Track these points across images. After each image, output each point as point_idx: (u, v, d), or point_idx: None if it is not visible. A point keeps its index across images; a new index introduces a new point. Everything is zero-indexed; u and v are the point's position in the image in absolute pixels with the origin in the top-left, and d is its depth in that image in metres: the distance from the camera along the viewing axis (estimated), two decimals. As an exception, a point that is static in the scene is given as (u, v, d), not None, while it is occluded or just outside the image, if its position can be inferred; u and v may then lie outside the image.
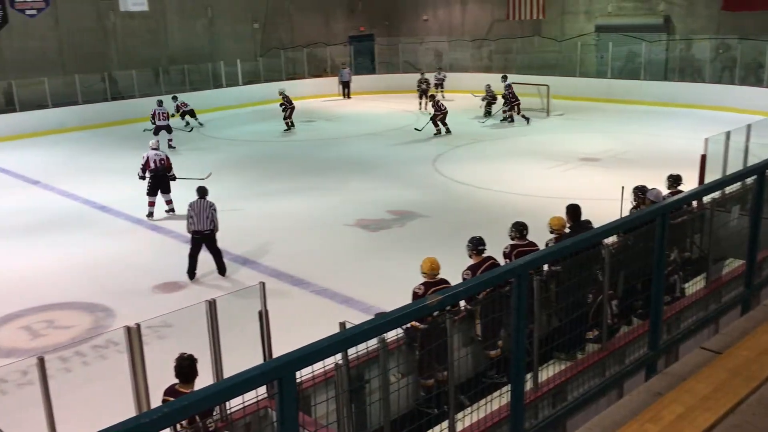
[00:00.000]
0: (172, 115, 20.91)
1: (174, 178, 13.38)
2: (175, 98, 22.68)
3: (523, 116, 22.12)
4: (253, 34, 30.54)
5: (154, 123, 19.68)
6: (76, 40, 25.53)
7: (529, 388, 5.26)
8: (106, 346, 8.38)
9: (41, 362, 4.95)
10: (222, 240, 10.59)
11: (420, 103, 25.02)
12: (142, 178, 13.33)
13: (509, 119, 22.22)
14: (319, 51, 31.64)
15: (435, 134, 20.46)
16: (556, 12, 29.34)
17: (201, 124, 22.99)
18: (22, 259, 11.58)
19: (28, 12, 23.67)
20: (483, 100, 23.29)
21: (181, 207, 13.25)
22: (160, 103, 20.32)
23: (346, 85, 29.40)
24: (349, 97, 29.17)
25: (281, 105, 22.02)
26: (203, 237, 10.29)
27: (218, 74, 27.86)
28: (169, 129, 19.54)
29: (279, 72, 29.94)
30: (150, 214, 13.35)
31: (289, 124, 22.09)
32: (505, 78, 23.56)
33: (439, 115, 20.54)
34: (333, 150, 19.37)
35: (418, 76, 26.94)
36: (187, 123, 22.53)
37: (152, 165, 13.11)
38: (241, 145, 20.62)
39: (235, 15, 29.74)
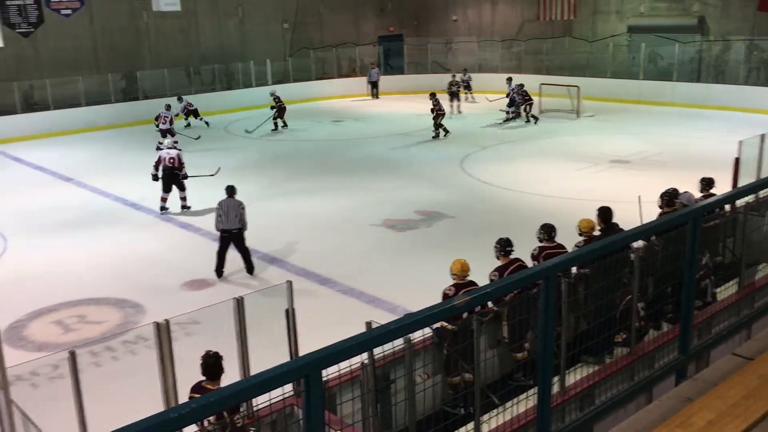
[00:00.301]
0: (176, 116, 21.26)
1: (186, 177, 13.72)
2: (180, 99, 22.94)
3: (533, 116, 22.12)
4: (283, 33, 30.72)
5: (158, 126, 19.92)
6: (109, 40, 25.93)
7: (556, 391, 5.22)
8: (136, 342, 8.50)
9: (72, 356, 5.03)
10: (250, 238, 10.66)
11: (451, 106, 24.78)
12: (155, 177, 13.74)
13: (525, 120, 22.16)
14: (348, 51, 31.73)
15: (433, 137, 20.28)
16: (587, 12, 29.07)
17: (207, 124, 23.08)
18: (55, 255, 11.78)
19: (63, 12, 24.09)
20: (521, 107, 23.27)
21: (198, 204, 13.49)
22: (168, 107, 20.48)
23: (374, 85, 29.44)
24: (377, 97, 29.20)
25: (272, 107, 22.33)
26: (231, 235, 10.36)
27: (248, 74, 28.08)
28: (171, 132, 19.54)
29: (308, 72, 30.08)
30: (162, 209, 13.76)
31: (278, 124, 22.42)
32: (510, 80, 23.36)
33: (440, 116, 20.27)
34: (361, 150, 19.41)
35: (447, 77, 26.83)
36: (188, 124, 22.84)
37: (163, 163, 13.55)
38: (269, 144, 20.76)
39: (266, 15, 29.95)
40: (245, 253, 10.54)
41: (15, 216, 13.96)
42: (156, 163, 13.69)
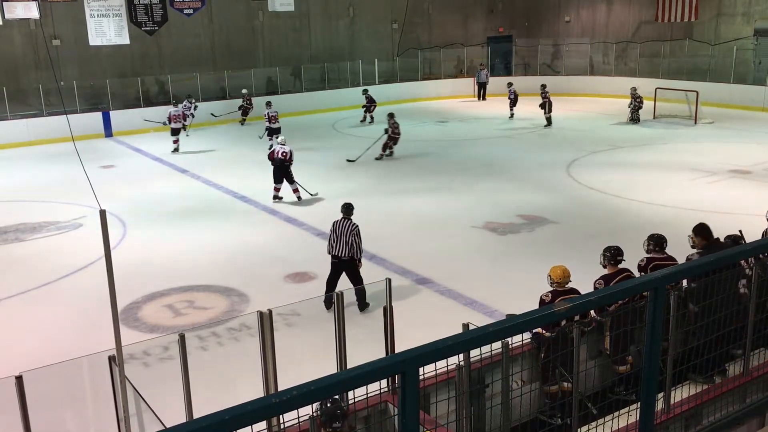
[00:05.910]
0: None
1: (291, 164, 14.50)
2: (268, 105, 21.17)
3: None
4: (392, 33, 31.00)
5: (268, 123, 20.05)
6: (226, 38, 27.07)
7: (660, 408, 5.00)
8: (239, 329, 8.82)
9: (182, 339, 5.27)
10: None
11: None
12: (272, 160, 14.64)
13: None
14: (455, 51, 31.62)
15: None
16: (710, 13, 27.64)
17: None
18: (167, 242, 12.40)
19: (185, 11, 25.28)
20: (629, 106, 22.48)
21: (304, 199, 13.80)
22: (268, 104, 20.41)
23: (482, 86, 29.18)
24: (484, 99, 28.93)
25: (240, 107, 24.19)
26: (342, 263, 9.16)
27: (356, 73, 28.52)
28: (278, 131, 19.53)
29: (415, 72, 30.22)
30: (275, 198, 14.59)
31: (243, 122, 24.37)
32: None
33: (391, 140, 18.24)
34: (465, 151, 19.30)
35: (556, 79, 26.19)
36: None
37: (274, 156, 14.42)
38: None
39: (376, 15, 30.31)
40: (357, 284, 9.12)
41: (133, 204, 14.77)
42: (270, 153, 14.67)
